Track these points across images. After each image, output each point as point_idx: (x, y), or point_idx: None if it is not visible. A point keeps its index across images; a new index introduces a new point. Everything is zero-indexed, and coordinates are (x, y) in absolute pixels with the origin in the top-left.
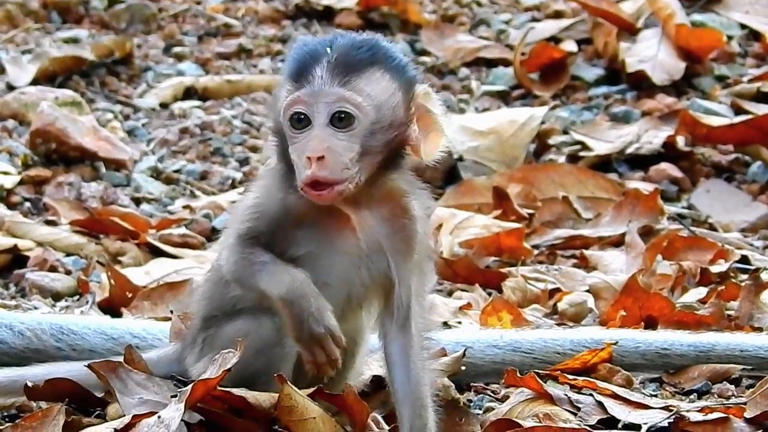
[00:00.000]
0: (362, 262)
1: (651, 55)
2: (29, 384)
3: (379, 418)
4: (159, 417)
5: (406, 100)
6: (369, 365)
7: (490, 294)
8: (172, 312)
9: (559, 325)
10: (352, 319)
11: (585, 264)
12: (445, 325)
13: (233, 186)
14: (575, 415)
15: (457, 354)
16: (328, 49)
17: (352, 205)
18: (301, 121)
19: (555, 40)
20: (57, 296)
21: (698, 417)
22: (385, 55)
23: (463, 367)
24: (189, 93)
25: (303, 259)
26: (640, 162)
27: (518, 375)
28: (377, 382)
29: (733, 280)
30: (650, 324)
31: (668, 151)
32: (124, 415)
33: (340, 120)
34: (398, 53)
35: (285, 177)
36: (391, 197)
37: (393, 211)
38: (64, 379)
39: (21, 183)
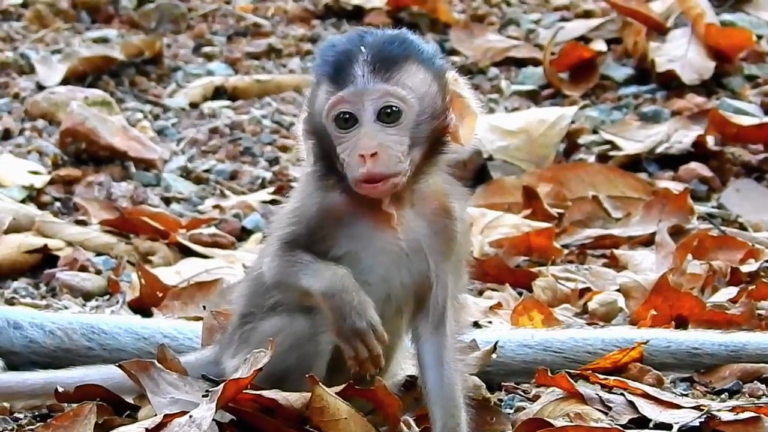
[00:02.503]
0: (402, 261)
1: (680, 55)
2: (59, 389)
3: (411, 420)
4: (190, 416)
5: (441, 88)
6: (402, 366)
7: (520, 294)
8: (204, 308)
9: (589, 324)
10: (391, 322)
11: (615, 263)
12: (476, 324)
13: (263, 186)
14: (606, 414)
15: (488, 348)
16: (362, 48)
17: (395, 202)
18: (347, 121)
19: (584, 39)
20: (87, 296)
21: (729, 416)
22: (417, 48)
23: (495, 359)
24: (218, 93)
25: (344, 259)
26: (670, 161)
27: (549, 374)
28: (410, 382)
29: (764, 280)
30: (681, 323)
31: (698, 151)
32: (155, 416)
33: (388, 115)
34: (426, 44)
35: (322, 178)
36: (434, 197)
37: (435, 211)
38: (95, 385)
39: (51, 183)
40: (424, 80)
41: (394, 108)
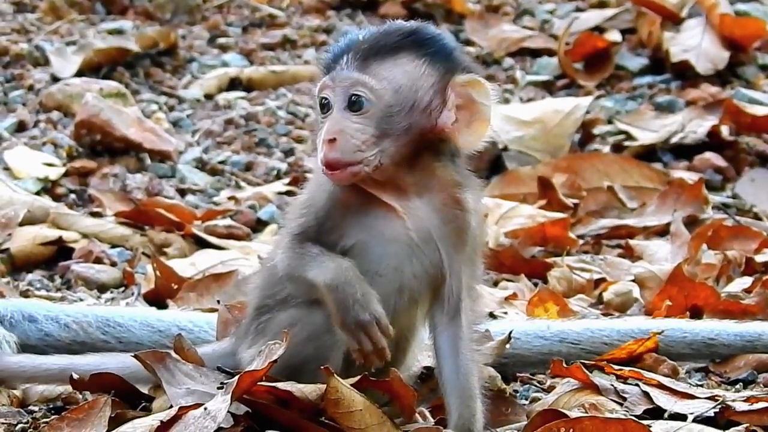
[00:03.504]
0: (413, 251)
1: (695, 45)
2: (75, 376)
3: (426, 412)
4: (205, 409)
5: (441, 85)
6: (418, 357)
7: (535, 284)
8: (219, 302)
9: (604, 314)
10: (405, 315)
11: (630, 253)
12: (491, 315)
13: (278, 177)
14: (621, 405)
15: (503, 338)
16: (362, 37)
17: (393, 192)
18: (324, 107)
19: (599, 29)
20: (102, 288)
21: (744, 407)
22: (421, 41)
23: (510, 350)
24: (233, 84)
25: (354, 250)
26: (685, 151)
27: (564, 365)
28: (427, 373)
29: None
30: (695, 313)
31: (712, 141)
32: (170, 408)
33: (353, 103)
34: (442, 40)
35: None
36: (443, 187)
37: (445, 201)
38: (110, 373)
39: (66, 174)
40: (410, 73)
41: (358, 96)
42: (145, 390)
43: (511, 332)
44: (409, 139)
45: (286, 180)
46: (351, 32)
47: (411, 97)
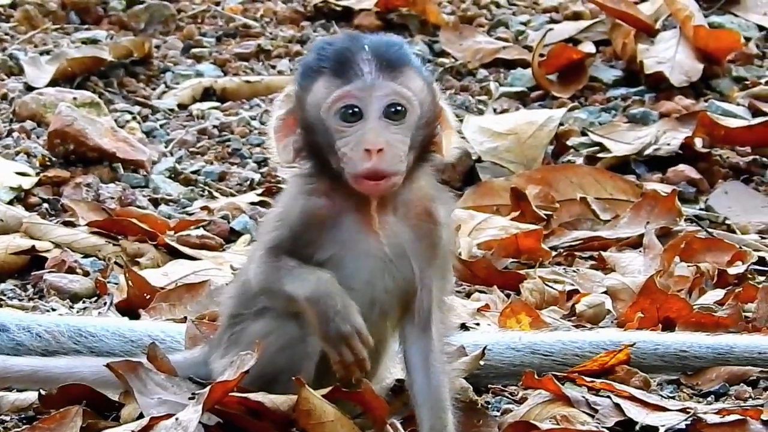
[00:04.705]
0: (386, 266)
1: (669, 57)
2: (42, 392)
3: (398, 424)
4: (176, 419)
5: (433, 97)
6: (390, 369)
7: (508, 296)
8: (186, 319)
9: (577, 326)
10: (376, 328)
11: (603, 265)
12: (464, 326)
13: (252, 187)
14: (593, 417)
15: (476, 353)
16: (365, 46)
17: (380, 206)
18: (353, 115)
19: (573, 41)
20: (75, 298)
21: (715, 419)
22: (412, 55)
23: (482, 365)
24: (207, 94)
25: (328, 264)
26: (658, 163)
27: (536, 377)
28: (399, 385)
29: (751, 282)
30: (668, 326)
31: (686, 153)
32: (139, 417)
33: (395, 113)
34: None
35: (309, 176)
36: (418, 201)
37: (419, 216)
38: (79, 385)
39: (39, 184)
40: (422, 86)
41: (400, 107)
42: (116, 396)
43: (485, 348)
44: (419, 152)
45: (260, 190)
46: (338, 41)
47: (428, 110)
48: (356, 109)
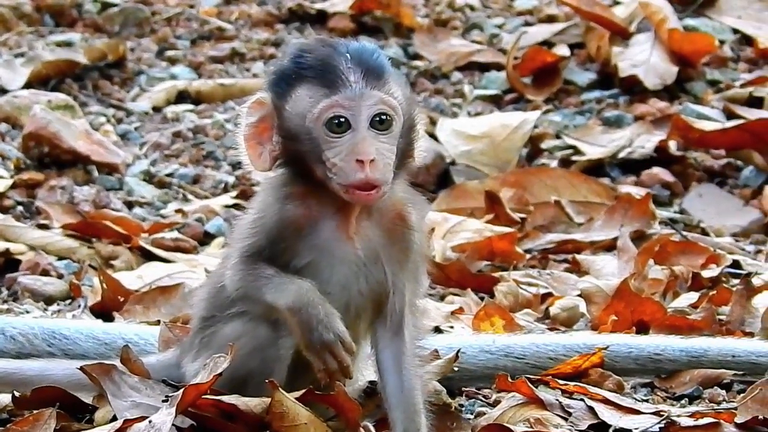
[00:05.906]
0: (360, 270)
1: (643, 60)
2: (16, 394)
3: (371, 426)
4: (150, 422)
5: (411, 104)
6: (362, 372)
7: (482, 298)
8: (160, 322)
9: (551, 329)
10: (350, 329)
11: (577, 268)
12: (437, 329)
13: (226, 190)
14: (566, 420)
15: (450, 356)
16: (348, 54)
17: (346, 211)
18: (341, 125)
19: (548, 44)
20: (49, 300)
21: (689, 422)
22: (389, 63)
23: (456, 368)
24: (182, 97)
25: (305, 270)
26: (633, 166)
27: (510, 380)
28: (372, 387)
29: (725, 285)
30: (642, 329)
31: (660, 156)
32: (113, 420)
33: (381, 122)
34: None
35: (284, 184)
36: (392, 207)
37: (393, 221)
38: (53, 387)
39: (13, 186)
40: (403, 93)
41: (386, 116)
42: (89, 399)
43: (458, 351)
44: (399, 159)
45: (234, 193)
46: (317, 46)
47: (409, 117)
48: (344, 119)
